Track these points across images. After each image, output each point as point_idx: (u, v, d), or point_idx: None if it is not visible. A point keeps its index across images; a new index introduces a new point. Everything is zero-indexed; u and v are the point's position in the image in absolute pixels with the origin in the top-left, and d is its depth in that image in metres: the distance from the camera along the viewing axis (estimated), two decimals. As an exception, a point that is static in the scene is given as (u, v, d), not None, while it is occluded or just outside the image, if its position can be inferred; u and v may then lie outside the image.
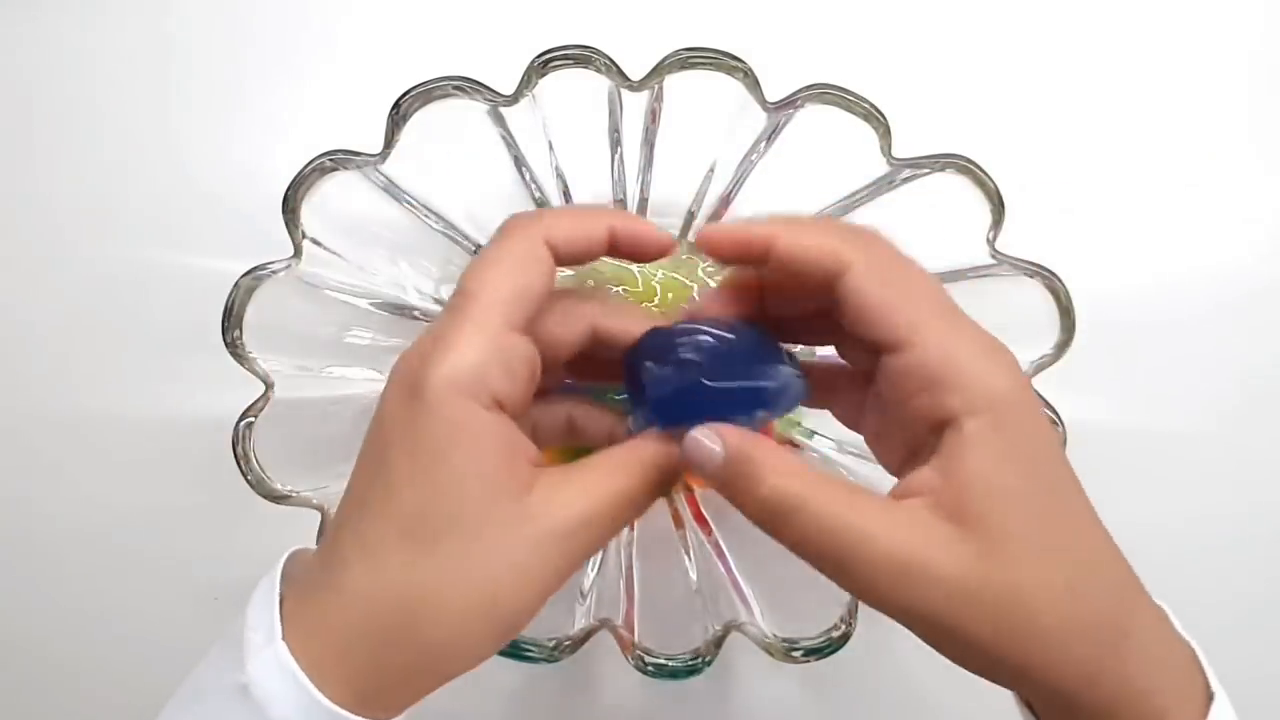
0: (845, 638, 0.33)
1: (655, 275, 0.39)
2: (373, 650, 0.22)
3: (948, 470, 0.22)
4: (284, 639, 0.22)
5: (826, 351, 0.29)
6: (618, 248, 0.26)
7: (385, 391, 0.24)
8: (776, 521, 0.23)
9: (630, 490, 0.24)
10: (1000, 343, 0.23)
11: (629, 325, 0.27)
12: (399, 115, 0.32)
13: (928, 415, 0.22)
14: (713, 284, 0.39)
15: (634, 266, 0.39)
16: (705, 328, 0.26)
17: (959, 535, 0.21)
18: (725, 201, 0.39)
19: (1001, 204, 0.33)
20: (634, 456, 0.25)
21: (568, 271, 0.39)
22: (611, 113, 0.35)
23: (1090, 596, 0.22)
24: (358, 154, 0.33)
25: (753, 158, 0.37)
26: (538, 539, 0.23)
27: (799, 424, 0.40)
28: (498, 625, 0.23)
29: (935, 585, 0.21)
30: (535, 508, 0.23)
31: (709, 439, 0.24)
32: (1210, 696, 0.23)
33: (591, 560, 0.38)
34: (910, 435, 0.24)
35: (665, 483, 0.25)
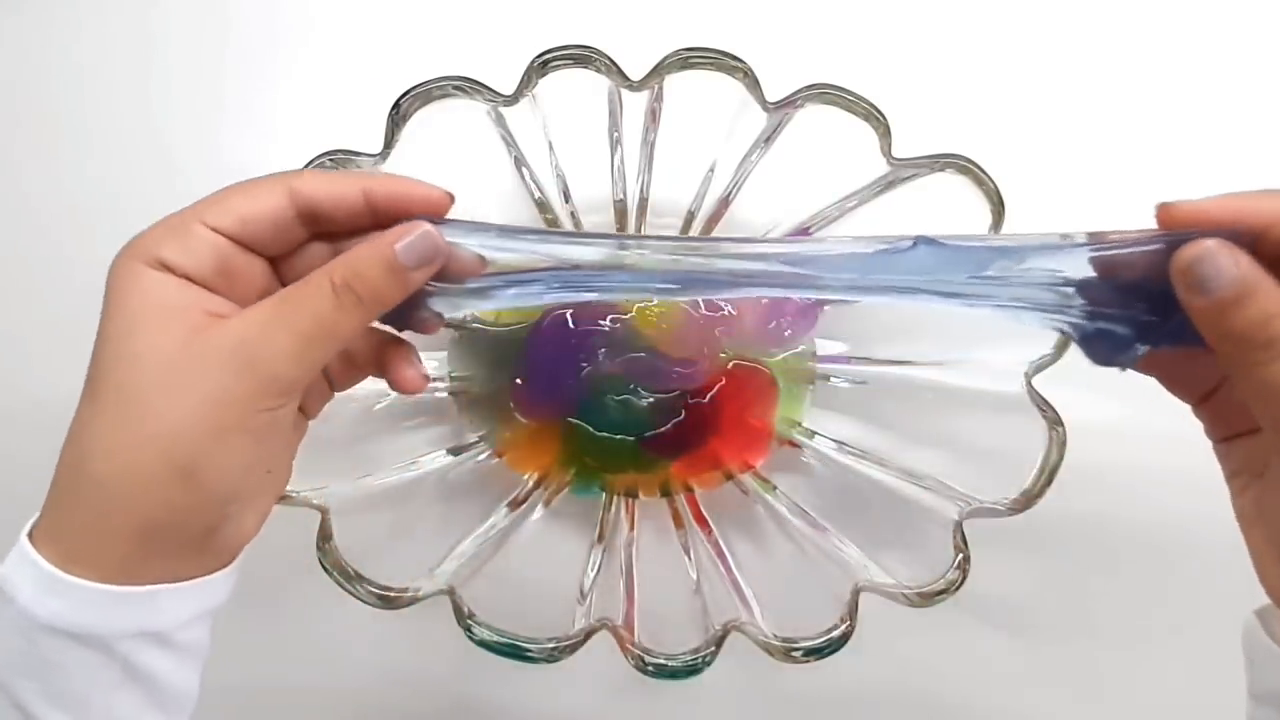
0: (845, 638, 0.33)
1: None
2: (67, 505, 0.24)
3: None
4: (30, 535, 0.24)
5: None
6: (380, 211, 0.26)
7: None
8: (1269, 352, 0.22)
9: (304, 299, 0.24)
10: None
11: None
12: (399, 115, 0.32)
13: None
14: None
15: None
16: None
17: None
18: (725, 202, 0.39)
19: (1001, 204, 0.33)
20: (319, 274, 0.25)
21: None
22: (611, 113, 0.35)
23: None
24: (358, 154, 0.33)
25: (753, 158, 0.37)
26: (191, 360, 0.23)
27: (799, 424, 0.40)
28: (164, 454, 0.23)
29: None
30: (198, 339, 0.24)
31: (1232, 254, 0.22)
32: None
33: (591, 560, 0.38)
34: None
35: (362, 287, 0.24)
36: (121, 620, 0.23)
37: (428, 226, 0.25)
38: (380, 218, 0.26)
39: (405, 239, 0.25)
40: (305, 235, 0.26)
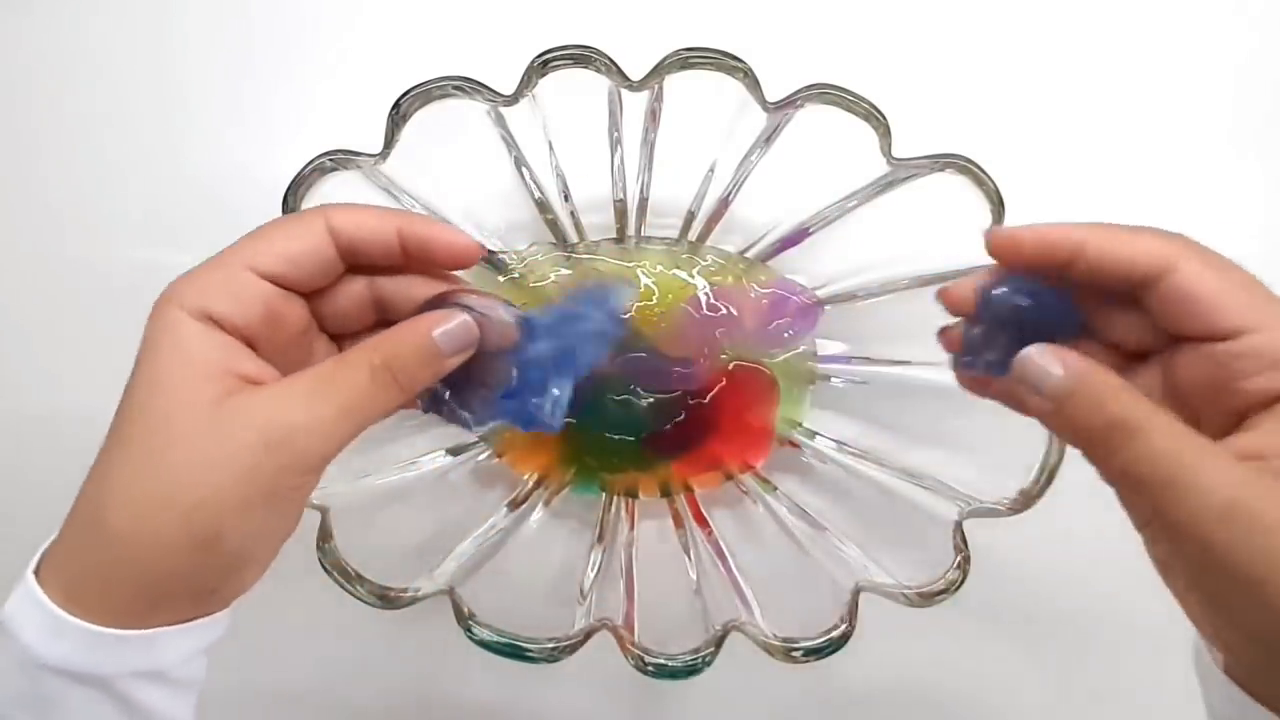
0: (845, 638, 0.33)
1: (655, 270, 0.39)
2: (83, 554, 0.24)
3: None
4: (35, 571, 0.24)
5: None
6: (409, 250, 0.27)
7: None
8: (1115, 441, 0.22)
9: (342, 380, 0.24)
10: None
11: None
12: (399, 115, 0.32)
13: (1264, 391, 0.22)
14: (708, 284, 0.39)
15: (634, 265, 0.39)
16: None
17: None
18: (725, 201, 0.39)
19: (1001, 204, 0.33)
20: (353, 351, 0.25)
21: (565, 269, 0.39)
22: (611, 113, 0.35)
23: None
24: (358, 154, 0.33)
25: (753, 158, 0.37)
26: (218, 434, 0.23)
27: (800, 424, 0.40)
28: (183, 520, 0.23)
29: (1261, 534, 0.21)
30: (230, 407, 0.23)
31: (1044, 359, 0.23)
32: None
33: (591, 560, 0.38)
34: (1218, 407, 0.24)
35: (400, 372, 0.25)
36: (122, 661, 0.24)
37: (465, 316, 0.26)
38: (412, 258, 0.27)
39: (443, 326, 0.25)
40: (343, 269, 0.27)
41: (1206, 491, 0.21)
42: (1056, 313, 0.26)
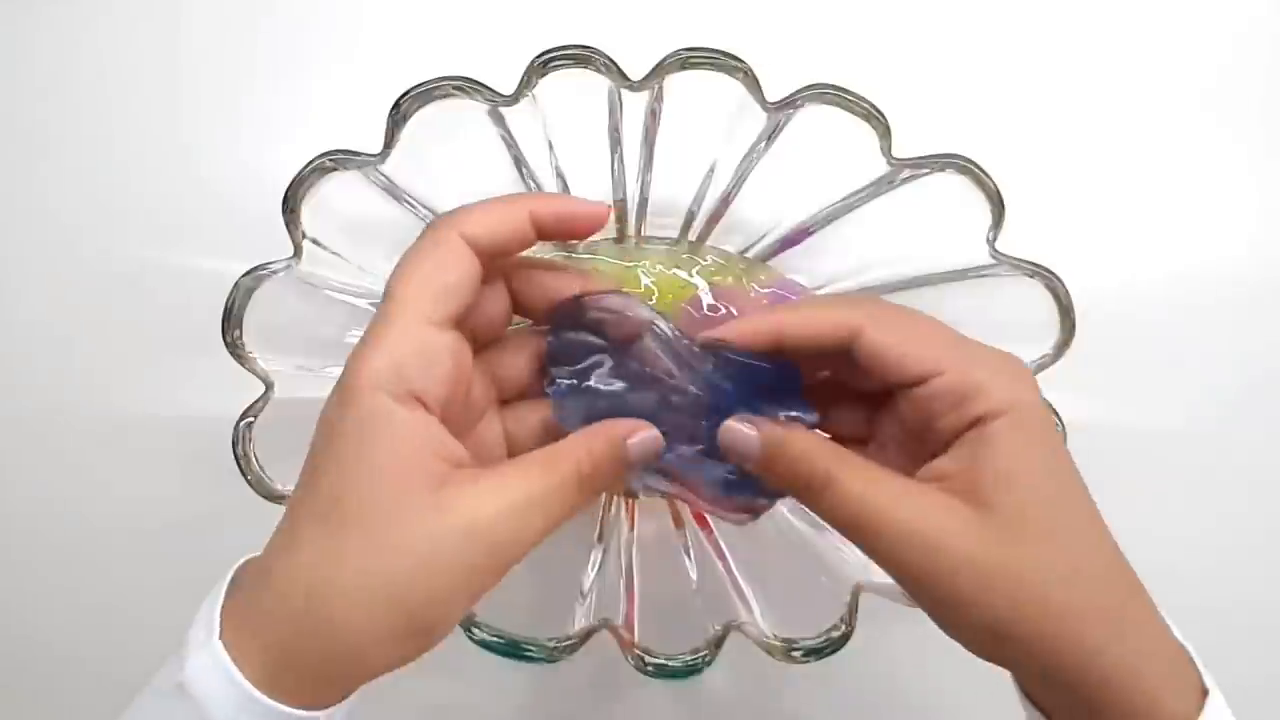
0: (845, 638, 0.33)
1: (654, 270, 0.39)
2: (287, 638, 0.23)
3: (968, 460, 0.25)
4: (221, 637, 0.23)
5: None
6: (546, 230, 0.27)
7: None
8: (814, 491, 0.25)
9: (552, 488, 0.25)
10: (1012, 356, 0.26)
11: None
12: (399, 115, 0.32)
13: (954, 426, 0.25)
14: (708, 283, 0.39)
15: (634, 265, 0.39)
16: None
17: (975, 516, 0.24)
18: (725, 201, 0.39)
19: (1001, 204, 0.33)
20: (560, 453, 0.26)
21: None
22: (611, 113, 0.35)
23: (1094, 580, 0.24)
24: (358, 154, 0.33)
25: (753, 158, 0.37)
26: (444, 533, 0.23)
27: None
28: (406, 616, 0.23)
29: (951, 557, 0.23)
30: (445, 502, 0.24)
31: (745, 427, 0.27)
32: (1205, 693, 0.24)
33: (591, 560, 0.38)
34: (929, 444, 0.26)
35: (598, 480, 0.26)
36: None
37: (655, 431, 0.27)
38: (548, 236, 0.27)
39: (637, 438, 0.27)
40: (482, 278, 0.27)
41: (892, 531, 0.24)
42: (770, 377, 0.28)
